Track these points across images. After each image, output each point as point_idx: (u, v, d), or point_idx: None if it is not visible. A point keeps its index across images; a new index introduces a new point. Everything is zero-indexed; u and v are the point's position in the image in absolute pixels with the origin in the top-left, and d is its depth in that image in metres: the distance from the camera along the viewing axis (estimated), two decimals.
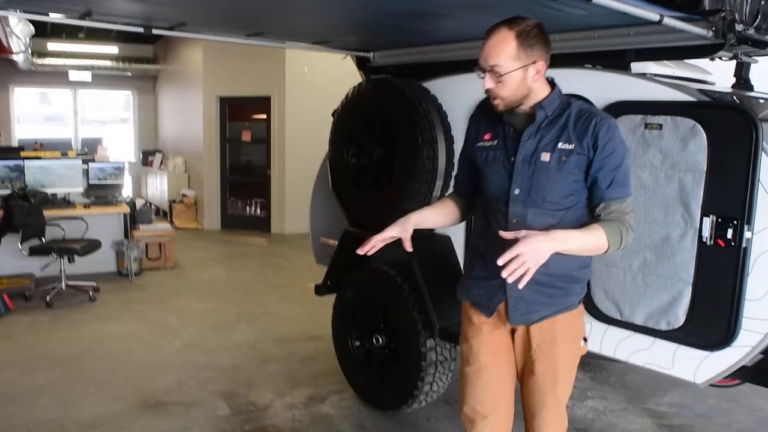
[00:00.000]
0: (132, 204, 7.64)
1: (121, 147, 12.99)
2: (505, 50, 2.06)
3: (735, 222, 2.56)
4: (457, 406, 3.94)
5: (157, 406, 3.95)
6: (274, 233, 10.28)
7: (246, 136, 10.59)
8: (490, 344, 2.33)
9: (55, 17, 3.41)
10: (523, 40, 2.06)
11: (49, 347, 4.94)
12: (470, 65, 3.48)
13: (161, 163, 12.04)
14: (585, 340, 2.35)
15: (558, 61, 2.48)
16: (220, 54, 10.03)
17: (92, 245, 6.54)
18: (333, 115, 4.15)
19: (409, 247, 2.26)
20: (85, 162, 7.61)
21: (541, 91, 2.15)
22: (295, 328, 5.49)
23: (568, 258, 2.10)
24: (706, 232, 2.63)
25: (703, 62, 3.62)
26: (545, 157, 2.11)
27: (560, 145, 2.10)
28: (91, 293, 6.33)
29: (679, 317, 2.75)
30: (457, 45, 3.68)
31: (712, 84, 3.69)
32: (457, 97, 3.55)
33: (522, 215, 2.14)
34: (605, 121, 2.10)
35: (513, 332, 2.32)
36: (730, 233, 2.58)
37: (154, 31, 3.45)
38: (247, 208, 10.78)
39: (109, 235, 7.23)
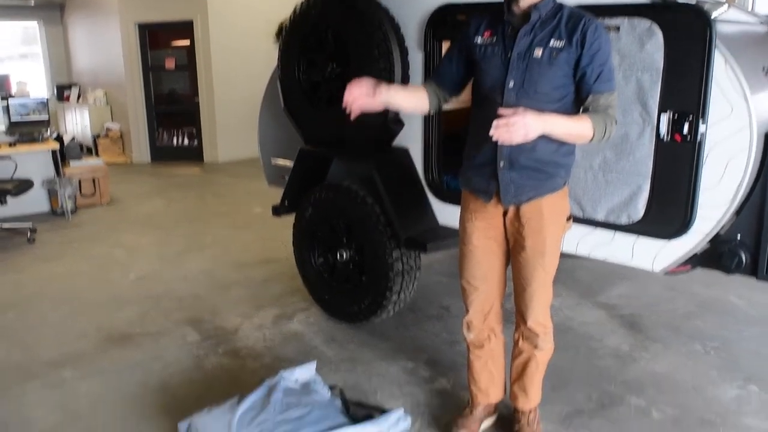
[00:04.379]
0: (60, 140, 7.32)
1: (30, 82, 12.28)
2: None
3: (690, 117, 2.68)
4: (422, 313, 4.12)
5: (124, 339, 3.93)
6: (207, 162, 10.09)
7: (170, 64, 10.21)
8: (481, 229, 2.62)
9: None
10: None
11: None
12: None
13: (79, 97, 11.50)
14: (569, 218, 2.62)
15: None
16: None
17: (24, 185, 6.28)
18: (278, 34, 4.05)
19: (376, 101, 2.44)
20: (3, 98, 7.21)
21: None
22: (249, 254, 5.49)
23: (554, 145, 2.36)
24: (664, 128, 2.75)
25: None
26: (538, 53, 2.32)
27: (552, 42, 2.31)
28: (28, 234, 6.11)
29: (638, 210, 2.89)
30: None
31: None
32: (409, 8, 3.51)
33: (515, 105, 2.28)
34: (593, 21, 2.32)
35: (505, 215, 2.56)
36: (686, 128, 2.70)
37: None
38: (177, 139, 10.49)
39: (39, 173, 6.93)
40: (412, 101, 2.64)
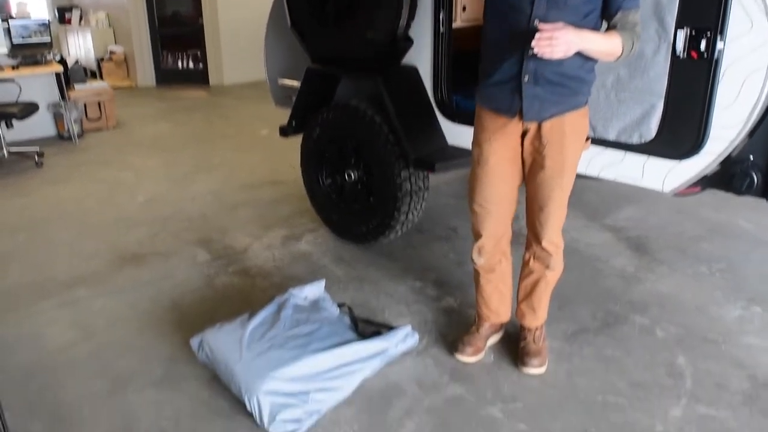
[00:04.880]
0: (64, 62, 7.22)
1: (30, 3, 12.02)
2: None
3: (708, 33, 2.61)
4: (430, 234, 4.14)
5: (135, 259, 3.97)
6: (213, 85, 9.99)
7: None
8: (498, 150, 2.56)
9: None
10: None
11: (4, 216, 4.80)
12: None
13: (81, 19, 11.28)
14: (588, 138, 2.61)
15: None
16: None
17: (29, 108, 6.23)
18: None
19: None
20: (3, 20, 7.08)
21: None
22: (257, 175, 5.49)
23: (580, 60, 2.32)
24: (680, 45, 2.68)
25: None
26: None
27: None
28: (36, 158, 6.10)
29: (651, 130, 2.85)
30: None
31: None
32: None
33: (545, 17, 2.25)
34: None
35: (523, 136, 2.53)
36: (703, 44, 2.63)
37: None
38: (182, 62, 10.35)
39: (43, 97, 6.86)
40: None
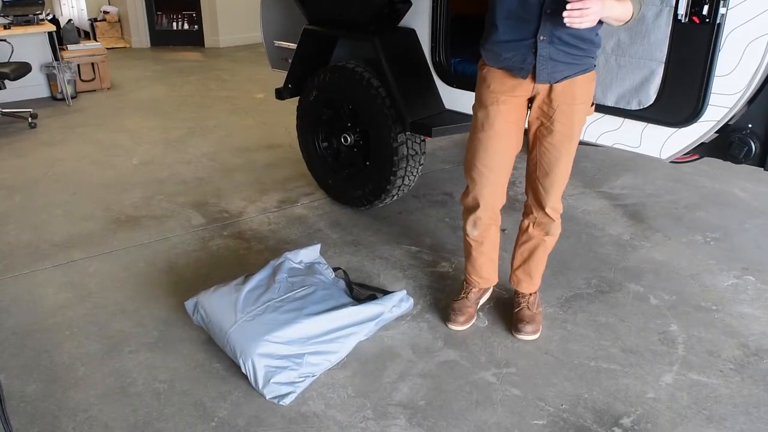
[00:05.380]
0: (56, 22, 7.11)
1: None
2: None
3: None
4: (426, 199, 4.12)
5: (130, 221, 3.96)
6: (208, 47, 9.86)
7: None
8: (505, 113, 2.51)
9: None
10: None
11: None
12: None
13: None
14: (593, 104, 2.60)
15: None
16: None
17: (22, 68, 6.15)
18: None
19: None
20: None
21: None
22: (252, 139, 5.45)
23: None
24: (682, 9, 2.64)
25: None
26: None
27: None
28: (30, 120, 6.03)
29: (650, 96, 2.83)
30: None
31: None
32: None
33: None
34: None
35: (530, 100, 2.50)
36: (705, 9, 2.59)
37: None
38: (177, 23, 10.19)
39: (36, 58, 6.77)
40: None
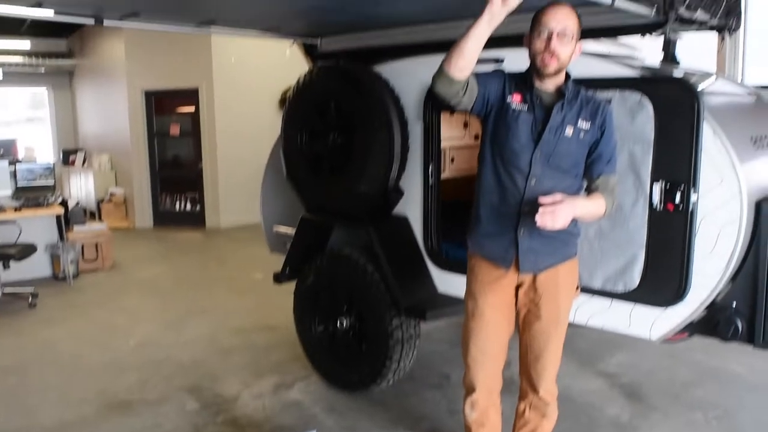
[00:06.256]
0: (64, 205, 7.40)
1: (37, 147, 12.46)
2: (573, 19, 2.38)
3: (682, 186, 2.75)
4: (422, 382, 4.09)
5: (124, 406, 3.91)
6: (209, 228, 10.16)
7: (174, 130, 10.39)
8: (493, 302, 2.62)
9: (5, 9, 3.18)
10: (578, 21, 2.40)
11: None
12: (418, 49, 3.62)
13: (84, 161, 11.67)
14: (578, 287, 2.71)
15: (513, 41, 2.63)
16: (144, 46, 9.82)
17: (27, 249, 6.33)
18: (281, 102, 4.17)
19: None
20: (11, 163, 7.33)
21: (563, 74, 2.46)
22: (250, 320, 5.50)
23: None
24: (656, 198, 2.81)
25: (631, 40, 3.81)
26: (569, 131, 2.44)
27: (579, 123, 2.44)
28: (30, 299, 6.12)
29: (634, 279, 2.93)
30: (403, 29, 3.76)
31: (642, 60, 3.89)
32: (408, 80, 3.64)
33: (540, 176, 2.43)
34: (608, 106, 2.53)
35: (518, 288, 2.60)
36: (678, 197, 2.76)
37: (105, 23, 3.39)
38: (180, 204, 10.59)
39: (42, 238, 6.99)
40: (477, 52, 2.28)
